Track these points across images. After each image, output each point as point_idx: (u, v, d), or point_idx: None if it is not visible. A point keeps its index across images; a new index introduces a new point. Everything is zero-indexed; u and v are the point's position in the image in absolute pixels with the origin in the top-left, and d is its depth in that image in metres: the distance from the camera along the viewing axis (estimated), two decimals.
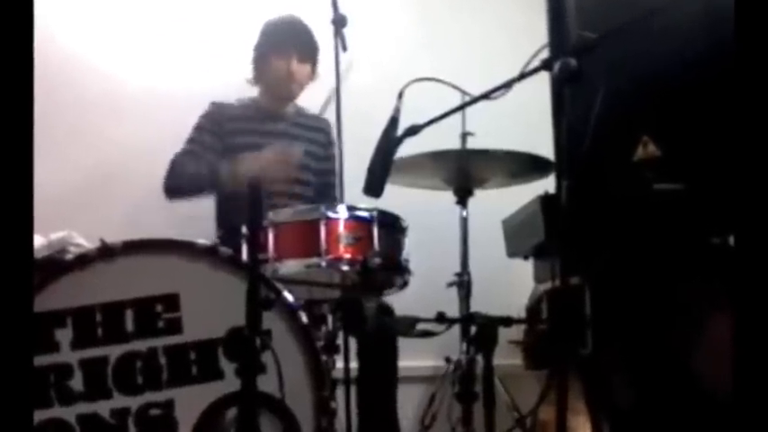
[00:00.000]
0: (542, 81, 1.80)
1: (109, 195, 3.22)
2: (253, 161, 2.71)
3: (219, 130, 2.89)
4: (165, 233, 2.07)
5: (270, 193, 2.72)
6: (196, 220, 2.94)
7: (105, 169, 3.24)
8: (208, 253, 2.05)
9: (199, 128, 2.91)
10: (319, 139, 3.02)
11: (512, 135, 2.84)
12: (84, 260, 2.01)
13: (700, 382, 1.95)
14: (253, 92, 3.03)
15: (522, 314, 2.77)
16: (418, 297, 2.38)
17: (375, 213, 2.22)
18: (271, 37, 2.94)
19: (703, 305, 1.97)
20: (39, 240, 2.24)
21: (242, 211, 1.79)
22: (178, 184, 2.80)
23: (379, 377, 2.58)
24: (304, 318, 2.06)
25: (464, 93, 1.97)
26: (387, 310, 2.52)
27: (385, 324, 2.27)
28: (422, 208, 2.82)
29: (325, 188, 2.98)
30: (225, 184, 2.74)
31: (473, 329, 2.15)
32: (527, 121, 3.05)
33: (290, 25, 2.92)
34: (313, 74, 2.96)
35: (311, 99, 2.98)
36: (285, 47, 2.89)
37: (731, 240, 2.00)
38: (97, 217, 3.04)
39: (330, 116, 2.58)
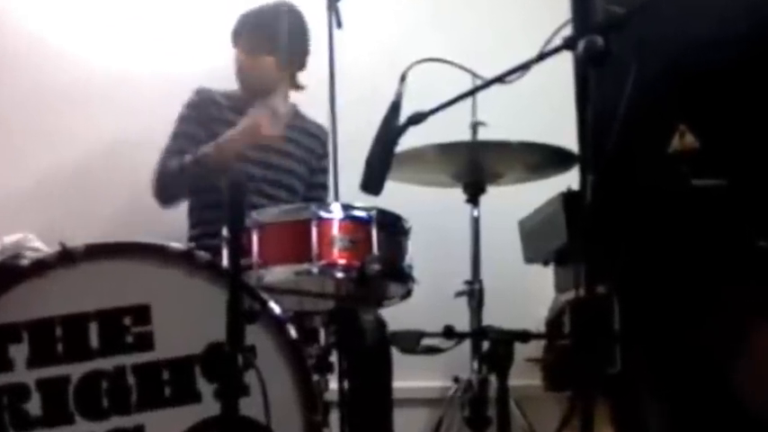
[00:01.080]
0: (564, 62, 1.80)
1: (73, 196, 3.21)
2: (232, 133, 2.76)
3: (205, 118, 2.92)
4: (139, 237, 2.07)
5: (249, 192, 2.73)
6: (176, 222, 2.94)
7: (70, 167, 3.23)
8: (182, 258, 2.04)
9: (183, 119, 2.94)
10: (315, 148, 3.05)
11: (529, 124, 2.84)
12: (41, 266, 2.00)
13: (745, 406, 1.95)
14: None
15: (542, 328, 2.76)
16: (423, 308, 2.38)
17: (374, 213, 2.22)
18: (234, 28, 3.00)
19: (749, 318, 1.97)
20: None
21: (219, 205, 1.78)
22: (166, 187, 2.84)
23: (377, 398, 2.57)
24: (293, 332, 2.06)
25: (475, 75, 1.95)
26: (380, 325, 2.52)
27: (385, 339, 2.26)
28: (427, 207, 2.82)
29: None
30: (211, 165, 2.76)
31: (485, 345, 2.15)
32: (547, 109, 3.05)
33: (251, 13, 2.96)
34: (284, 66, 2.95)
35: (309, 103, 3.00)
36: (235, 37, 2.97)
37: None
38: (58, 219, 3.03)
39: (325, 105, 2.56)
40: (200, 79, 3.03)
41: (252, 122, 2.76)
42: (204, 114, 2.93)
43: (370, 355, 2.38)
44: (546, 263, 2.63)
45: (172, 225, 2.93)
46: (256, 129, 2.75)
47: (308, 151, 3.03)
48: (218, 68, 3.07)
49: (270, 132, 2.76)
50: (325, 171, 3.02)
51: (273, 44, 2.92)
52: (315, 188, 3.04)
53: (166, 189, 2.85)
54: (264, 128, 2.75)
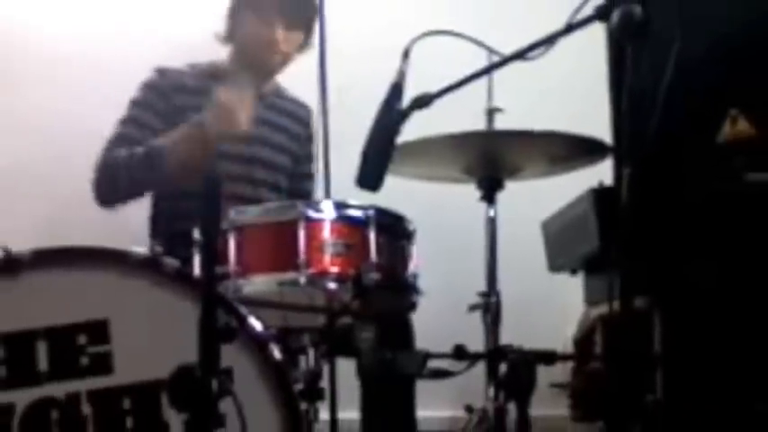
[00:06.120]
0: (596, 36, 1.79)
1: (19, 194, 3.21)
2: (192, 123, 2.67)
3: (166, 106, 2.86)
4: (94, 240, 2.05)
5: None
6: (131, 226, 2.94)
7: (13, 158, 3.22)
8: (147, 266, 2.03)
9: (137, 103, 2.88)
10: (299, 132, 3.03)
11: (555, 110, 2.83)
12: None
13: None
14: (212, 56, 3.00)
15: (569, 348, 2.77)
16: (430, 325, 2.39)
17: (372, 213, 2.22)
18: None
19: None
20: None
21: (189, 212, 1.76)
22: (110, 181, 2.76)
23: None
24: (277, 352, 2.06)
25: (491, 51, 1.95)
26: (404, 333, 2.49)
27: (387, 360, 2.26)
28: (435, 206, 2.81)
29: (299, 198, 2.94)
30: (165, 166, 2.70)
31: (503, 368, 2.15)
32: (575, 92, 3.04)
33: None
34: (305, 43, 2.91)
35: (294, 84, 2.99)
36: (268, 8, 2.83)
37: None
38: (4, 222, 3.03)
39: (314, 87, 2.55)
40: (158, 57, 2.99)
41: (222, 108, 2.63)
42: (164, 101, 2.86)
43: (369, 380, 2.39)
44: (574, 271, 2.64)
45: (126, 229, 2.92)
46: (227, 116, 2.63)
47: (291, 137, 3.00)
48: (181, 44, 3.05)
49: (244, 121, 2.64)
50: (310, 158, 3.01)
51: (310, 18, 2.82)
52: (300, 179, 3.02)
53: (110, 183, 2.76)
54: (238, 114, 2.63)
